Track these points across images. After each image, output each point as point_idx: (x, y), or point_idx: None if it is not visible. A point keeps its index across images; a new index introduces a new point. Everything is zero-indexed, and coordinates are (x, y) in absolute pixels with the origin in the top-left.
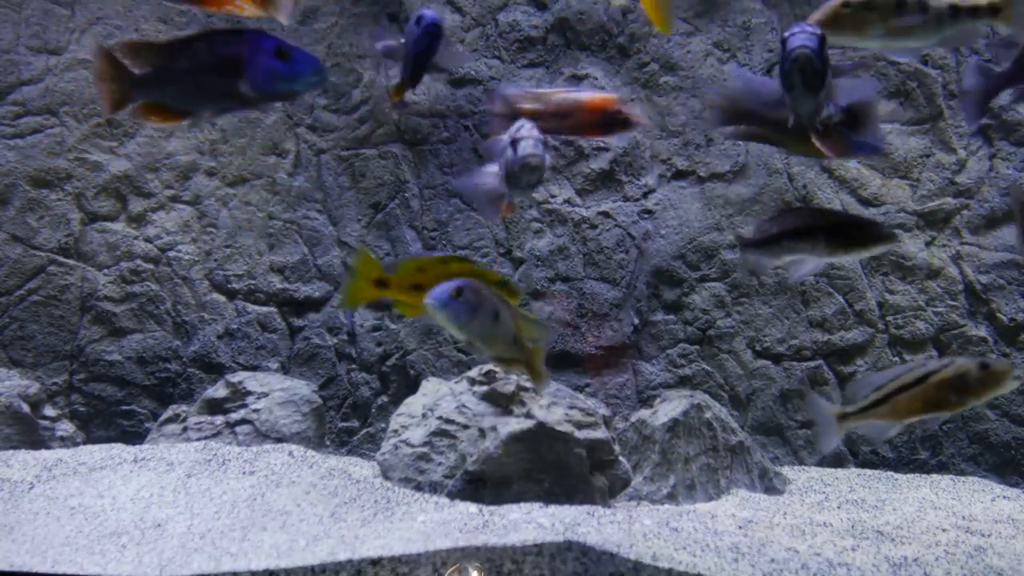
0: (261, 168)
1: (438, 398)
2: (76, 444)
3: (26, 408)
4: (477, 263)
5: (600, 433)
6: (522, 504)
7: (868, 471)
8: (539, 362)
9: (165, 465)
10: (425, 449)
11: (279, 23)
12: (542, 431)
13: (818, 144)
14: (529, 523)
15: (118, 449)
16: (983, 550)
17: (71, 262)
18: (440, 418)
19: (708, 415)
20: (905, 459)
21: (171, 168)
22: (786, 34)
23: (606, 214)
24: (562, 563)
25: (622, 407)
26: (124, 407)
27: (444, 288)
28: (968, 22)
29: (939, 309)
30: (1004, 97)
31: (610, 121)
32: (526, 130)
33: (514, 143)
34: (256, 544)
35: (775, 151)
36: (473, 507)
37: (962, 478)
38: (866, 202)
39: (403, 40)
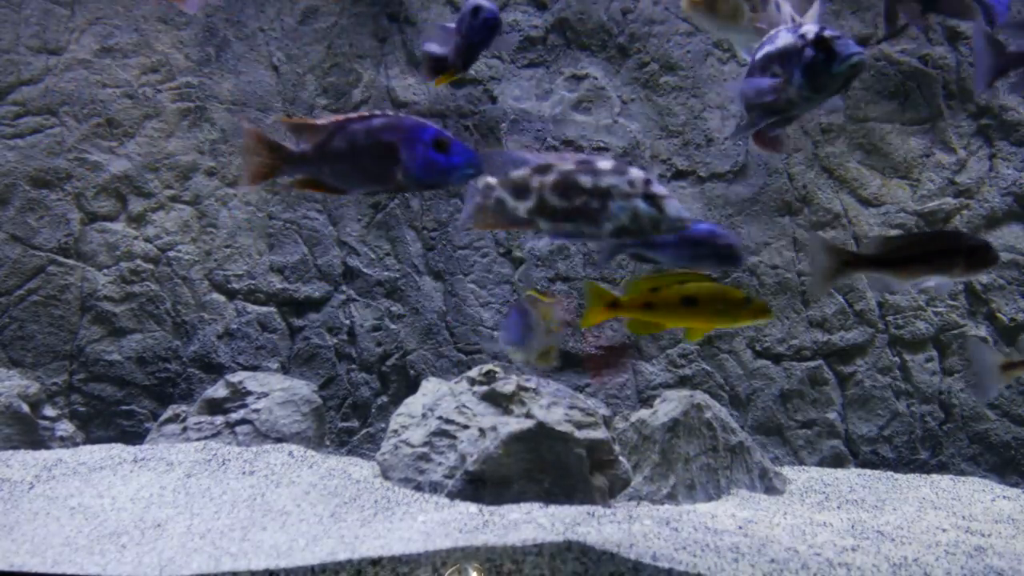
0: None
1: (438, 398)
2: (76, 444)
3: (26, 408)
4: (714, 280)
5: (600, 433)
6: (522, 504)
7: (868, 471)
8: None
9: (165, 465)
10: (425, 449)
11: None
12: (542, 431)
13: (758, 143)
14: (529, 523)
15: (118, 449)
16: (983, 550)
17: (71, 262)
18: (440, 418)
19: (708, 415)
20: (905, 459)
21: (171, 168)
22: (831, 34)
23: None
24: (562, 563)
25: (622, 407)
26: (124, 407)
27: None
28: None
29: (939, 309)
30: (1005, 96)
31: None
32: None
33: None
34: (256, 544)
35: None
36: (473, 507)
37: (962, 478)
38: (866, 202)
39: (454, 28)
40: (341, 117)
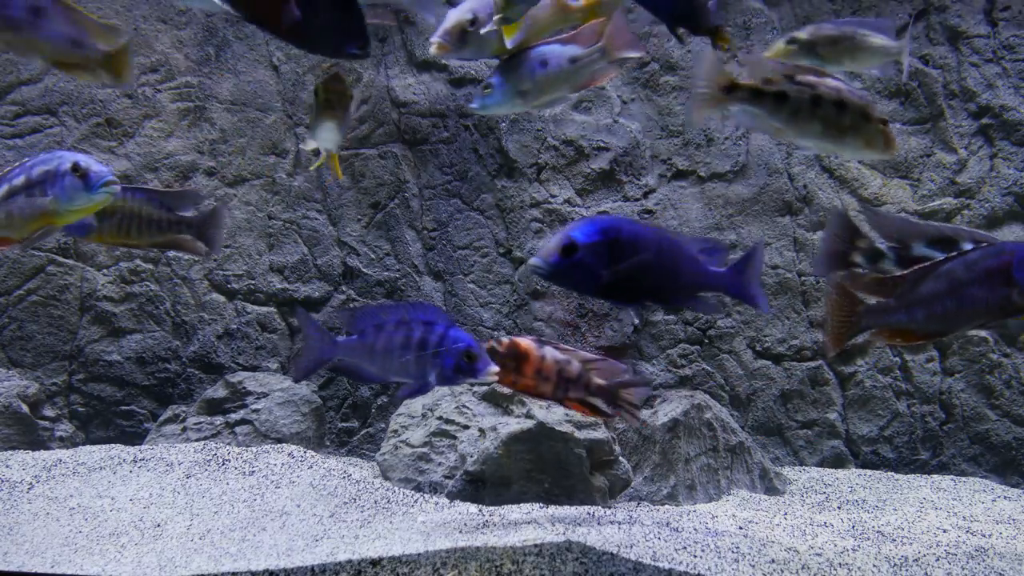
0: (261, 168)
1: (438, 398)
2: (75, 444)
3: (25, 408)
4: None
5: (600, 433)
6: (522, 504)
7: (869, 471)
8: None
9: (164, 465)
10: (425, 449)
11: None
12: (542, 431)
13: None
14: (529, 523)
15: (117, 449)
16: (984, 550)
17: (70, 262)
18: (440, 418)
19: (708, 415)
20: (906, 459)
21: (171, 168)
22: None
23: (606, 214)
24: (562, 563)
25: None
26: (123, 407)
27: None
28: None
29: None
30: (1006, 96)
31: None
32: None
33: None
34: (256, 544)
35: (775, 151)
36: (473, 507)
37: (963, 478)
38: (867, 202)
39: None
40: (924, 267)
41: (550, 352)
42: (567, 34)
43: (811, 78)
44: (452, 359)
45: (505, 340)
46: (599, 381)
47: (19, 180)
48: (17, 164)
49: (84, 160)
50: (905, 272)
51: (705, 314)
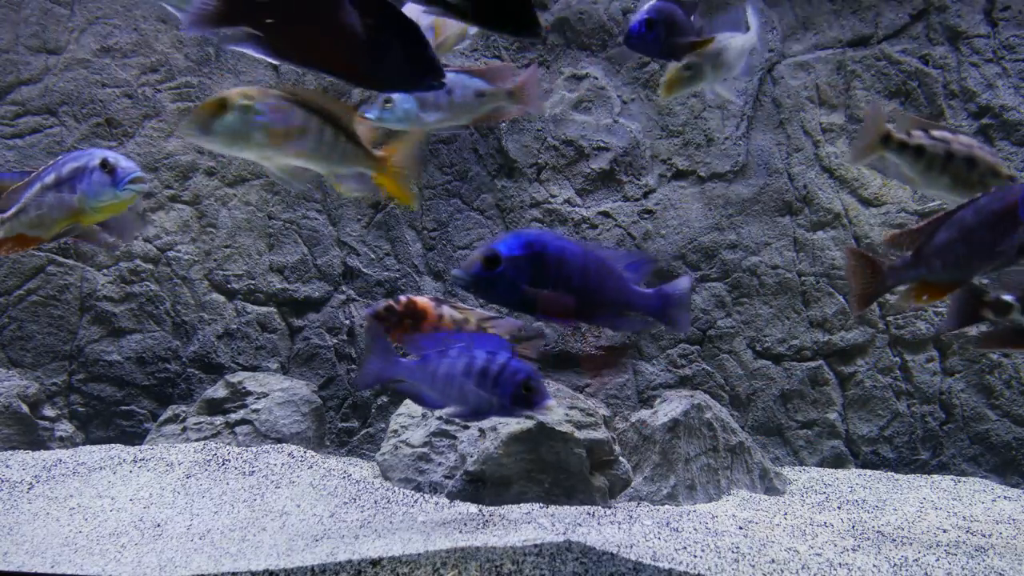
0: (261, 168)
1: None
2: (75, 444)
3: (25, 408)
4: None
5: (600, 433)
6: (522, 504)
7: (869, 471)
8: None
9: (164, 465)
10: (425, 449)
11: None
12: (542, 431)
13: None
14: (529, 523)
15: (117, 449)
16: (984, 551)
17: (70, 262)
18: (440, 418)
19: (708, 415)
20: (906, 459)
21: (171, 168)
22: None
23: (606, 214)
24: (562, 563)
25: (622, 407)
26: (123, 407)
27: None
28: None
29: (940, 309)
30: (1006, 96)
31: None
32: None
33: None
34: (256, 544)
35: (775, 151)
36: (473, 507)
37: (963, 478)
38: (867, 202)
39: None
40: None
41: (447, 311)
42: (478, 67)
43: (946, 134)
44: (511, 389)
45: (403, 298)
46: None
47: (50, 178)
48: (51, 162)
49: (113, 156)
50: (921, 224)
51: (628, 332)
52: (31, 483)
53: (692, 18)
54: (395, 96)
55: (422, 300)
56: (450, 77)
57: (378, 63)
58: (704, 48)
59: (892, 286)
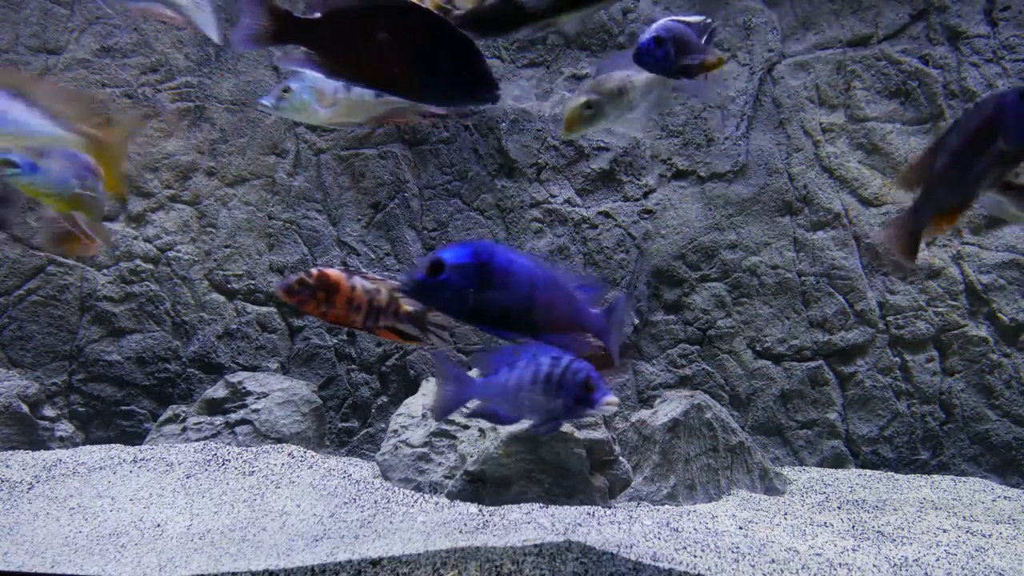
0: (261, 168)
1: None
2: (75, 444)
3: (25, 408)
4: None
5: (600, 433)
6: (522, 504)
7: (869, 471)
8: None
9: (164, 465)
10: (425, 449)
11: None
12: None
13: None
14: (529, 523)
15: (117, 449)
16: (984, 551)
17: (70, 262)
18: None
19: (708, 415)
20: (906, 459)
21: (171, 168)
22: None
23: (606, 214)
24: (562, 563)
25: (622, 407)
26: (123, 407)
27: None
28: None
29: (940, 309)
30: None
31: None
32: None
33: None
34: (256, 544)
35: (775, 151)
36: (473, 507)
37: (963, 478)
38: (867, 202)
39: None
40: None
41: (360, 282)
42: None
43: None
44: (572, 391)
45: (315, 271)
46: (408, 307)
47: None
48: None
49: None
50: (920, 158)
51: (571, 353)
52: (31, 483)
53: (704, 40)
54: (293, 86)
55: (334, 272)
56: None
57: (434, 79)
58: (714, 70)
59: (922, 227)
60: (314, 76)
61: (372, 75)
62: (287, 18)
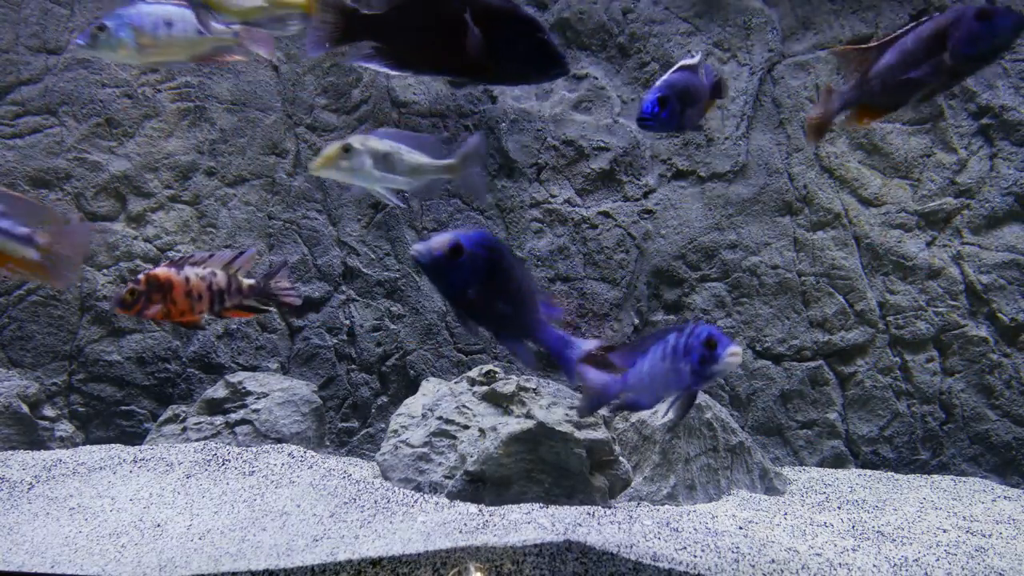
0: (261, 168)
1: (438, 398)
2: (75, 444)
3: (25, 408)
4: None
5: (600, 433)
6: (522, 504)
7: (869, 471)
8: None
9: (164, 466)
10: (425, 449)
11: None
12: (542, 431)
13: None
14: (529, 523)
15: (117, 449)
16: (984, 551)
17: None
18: (440, 418)
19: (708, 415)
20: (906, 459)
21: (170, 168)
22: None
23: (606, 214)
24: (562, 563)
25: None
26: (123, 407)
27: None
28: None
29: (940, 309)
30: (1006, 96)
31: None
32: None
33: None
34: (256, 544)
35: (775, 151)
36: (473, 507)
37: (963, 478)
38: (867, 202)
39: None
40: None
41: (191, 271)
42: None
43: None
44: (697, 354)
45: (141, 277)
46: (248, 282)
47: None
48: None
49: None
50: (872, 44)
51: (522, 365)
52: (31, 483)
53: (704, 70)
54: (109, 24)
55: (162, 271)
56: (171, 10)
57: (505, 61)
58: (709, 109)
59: (840, 110)
60: (131, 12)
61: (442, 63)
62: (355, 15)
